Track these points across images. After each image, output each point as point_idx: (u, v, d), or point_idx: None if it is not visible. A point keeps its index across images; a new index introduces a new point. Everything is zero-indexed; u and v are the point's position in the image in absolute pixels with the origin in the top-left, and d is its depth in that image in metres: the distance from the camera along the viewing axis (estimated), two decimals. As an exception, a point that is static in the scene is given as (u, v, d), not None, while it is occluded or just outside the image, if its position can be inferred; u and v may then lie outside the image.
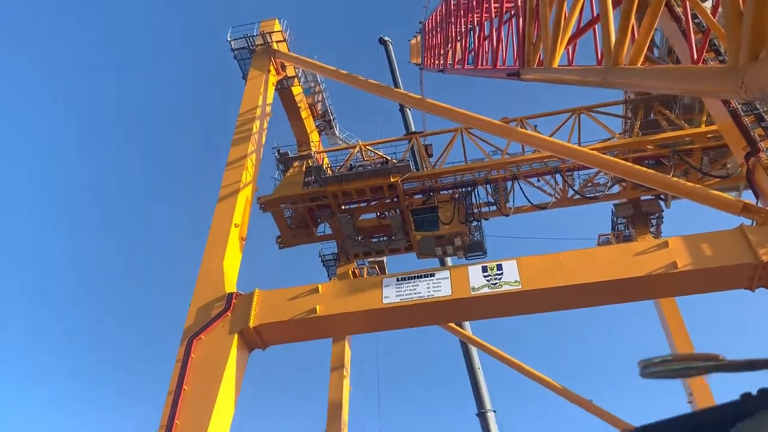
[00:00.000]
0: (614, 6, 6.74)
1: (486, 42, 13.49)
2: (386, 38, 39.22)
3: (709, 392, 22.90)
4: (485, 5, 13.36)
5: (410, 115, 35.89)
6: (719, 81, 4.44)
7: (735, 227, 16.92)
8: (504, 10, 12.38)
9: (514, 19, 10.79)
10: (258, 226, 26.70)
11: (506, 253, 40.14)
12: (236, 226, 20.16)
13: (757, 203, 17.59)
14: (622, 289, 17.15)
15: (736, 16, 4.28)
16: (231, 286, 19.17)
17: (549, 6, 8.20)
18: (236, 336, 17.79)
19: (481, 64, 13.74)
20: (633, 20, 6.15)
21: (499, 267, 18.06)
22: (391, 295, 18.11)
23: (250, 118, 23.07)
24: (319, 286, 18.51)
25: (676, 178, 18.09)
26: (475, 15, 14.20)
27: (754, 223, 17.15)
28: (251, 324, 17.86)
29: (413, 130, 33.75)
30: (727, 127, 18.47)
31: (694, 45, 6.22)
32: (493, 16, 13.14)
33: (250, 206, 21.48)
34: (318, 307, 17.87)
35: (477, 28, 14.51)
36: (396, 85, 37.99)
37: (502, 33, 12.33)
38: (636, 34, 6.73)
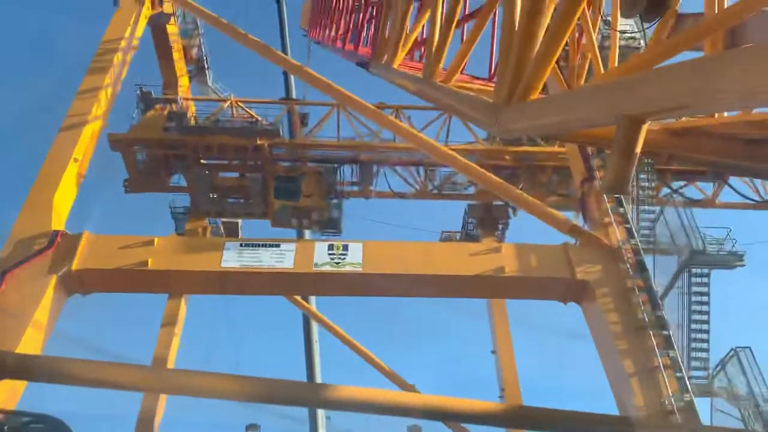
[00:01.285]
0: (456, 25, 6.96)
1: (359, 24, 13.53)
2: (281, -4, 37.94)
3: (519, 391, 24.89)
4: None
5: (293, 80, 35.08)
6: (483, 113, 4.68)
7: (560, 244, 18.39)
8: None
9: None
10: (105, 165, 24.81)
11: (360, 234, 40.62)
12: (76, 161, 18.67)
13: (584, 226, 19.25)
14: (454, 284, 18.06)
15: (504, 52, 4.51)
16: (59, 223, 17.78)
17: (397, 6, 8.32)
18: (55, 277, 16.59)
19: (345, 46, 13.72)
20: (449, 39, 6.41)
21: (345, 247, 18.30)
22: (231, 259, 17.72)
23: (112, 48, 21.36)
24: (156, 238, 17.69)
25: (518, 190, 19.26)
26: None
27: (578, 243, 18.77)
28: (74, 267, 16.76)
29: (293, 95, 33.10)
30: (573, 152, 19.99)
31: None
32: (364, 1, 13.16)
33: (95, 142, 19.98)
34: (150, 260, 17.09)
35: (353, 8, 14.46)
36: (284, 47, 36.97)
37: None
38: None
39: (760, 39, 7.06)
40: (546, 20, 4.14)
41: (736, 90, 2.36)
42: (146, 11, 23.78)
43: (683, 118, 4.07)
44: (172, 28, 26.10)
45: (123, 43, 21.75)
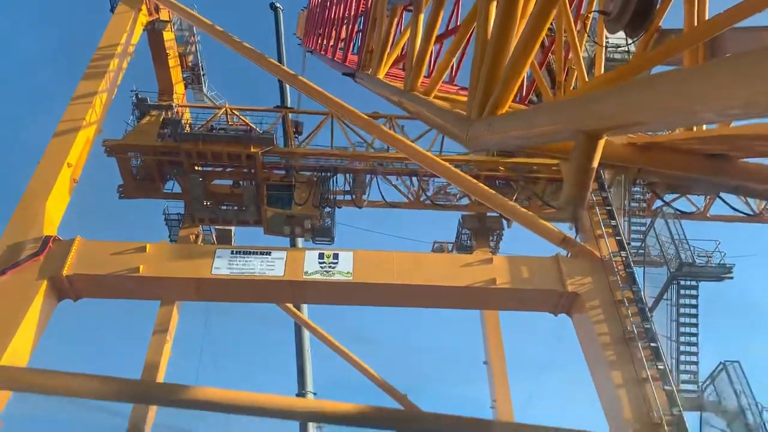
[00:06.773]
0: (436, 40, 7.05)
1: (348, 35, 13.65)
2: (277, 4, 38.15)
3: (510, 400, 24.92)
4: (351, 1, 13.47)
5: (288, 89, 35.20)
6: (455, 126, 4.73)
7: (551, 256, 18.43)
8: (361, 10, 12.56)
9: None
10: (99, 171, 24.85)
11: (352, 243, 40.50)
12: (69, 166, 18.71)
13: (575, 238, 19.29)
14: (444, 295, 18.06)
15: (476, 68, 4.57)
16: (51, 228, 17.79)
17: (382, 20, 8.44)
18: (45, 282, 16.62)
19: (334, 56, 13.85)
20: (429, 53, 6.49)
21: (336, 256, 18.33)
22: (222, 266, 17.75)
23: (108, 54, 21.44)
24: (148, 245, 17.71)
25: (511, 202, 19.30)
26: (343, 7, 14.24)
27: (569, 254, 18.81)
28: (64, 272, 16.78)
29: (288, 104, 33.22)
30: (566, 164, 20.02)
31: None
32: (354, 13, 13.26)
33: (89, 147, 20.02)
34: (141, 266, 17.11)
35: (343, 20, 14.57)
36: (279, 55, 37.14)
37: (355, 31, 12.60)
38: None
39: (737, 51, 7.15)
40: (516, 37, 4.21)
41: (683, 108, 2.41)
42: (143, 18, 23.88)
43: (649, 133, 4.16)
44: (169, 35, 26.20)
45: (119, 49, 21.84)
